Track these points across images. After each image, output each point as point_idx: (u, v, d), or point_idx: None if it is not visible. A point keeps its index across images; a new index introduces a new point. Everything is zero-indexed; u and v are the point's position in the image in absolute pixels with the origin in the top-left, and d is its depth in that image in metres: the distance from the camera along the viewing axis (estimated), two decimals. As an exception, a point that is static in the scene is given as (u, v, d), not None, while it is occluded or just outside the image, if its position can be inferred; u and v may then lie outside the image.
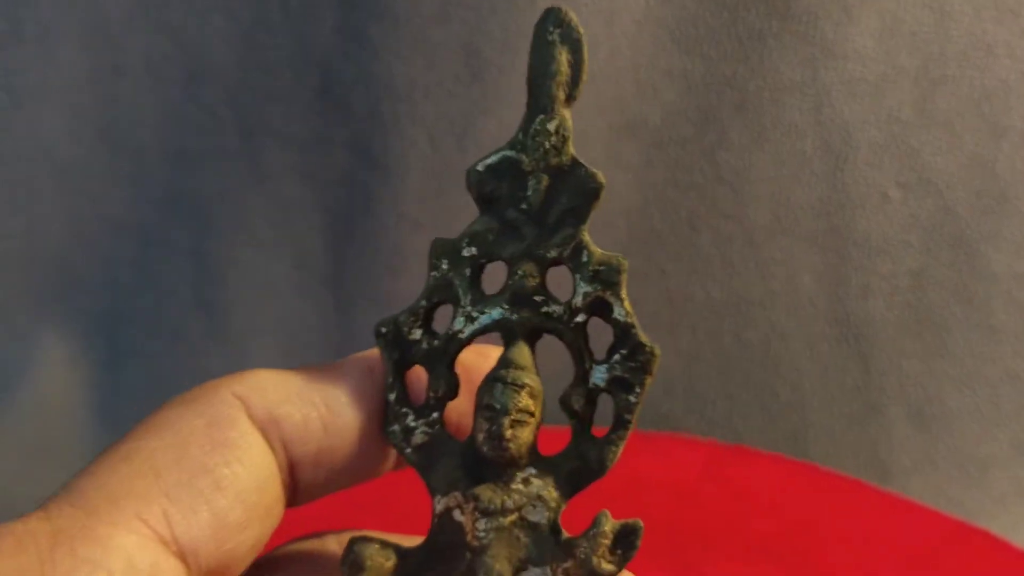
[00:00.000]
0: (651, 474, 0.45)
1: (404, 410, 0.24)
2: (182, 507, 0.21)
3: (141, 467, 0.21)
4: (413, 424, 0.24)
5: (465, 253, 0.24)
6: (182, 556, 0.21)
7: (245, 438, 0.22)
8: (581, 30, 0.24)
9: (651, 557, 0.39)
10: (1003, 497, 0.54)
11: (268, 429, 0.23)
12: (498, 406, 0.23)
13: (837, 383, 0.52)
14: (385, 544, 0.24)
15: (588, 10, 0.45)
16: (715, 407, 0.53)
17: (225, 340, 0.51)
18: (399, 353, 0.24)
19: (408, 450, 0.24)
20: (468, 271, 0.24)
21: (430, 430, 0.24)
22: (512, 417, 0.23)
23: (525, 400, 0.23)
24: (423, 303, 0.24)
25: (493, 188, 0.24)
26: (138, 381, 0.51)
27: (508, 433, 0.23)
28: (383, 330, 0.24)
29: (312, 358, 0.50)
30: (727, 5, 0.46)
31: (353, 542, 0.23)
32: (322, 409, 0.23)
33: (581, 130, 0.47)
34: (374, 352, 0.25)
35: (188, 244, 0.50)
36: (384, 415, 0.24)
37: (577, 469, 0.24)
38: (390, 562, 0.23)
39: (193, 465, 0.21)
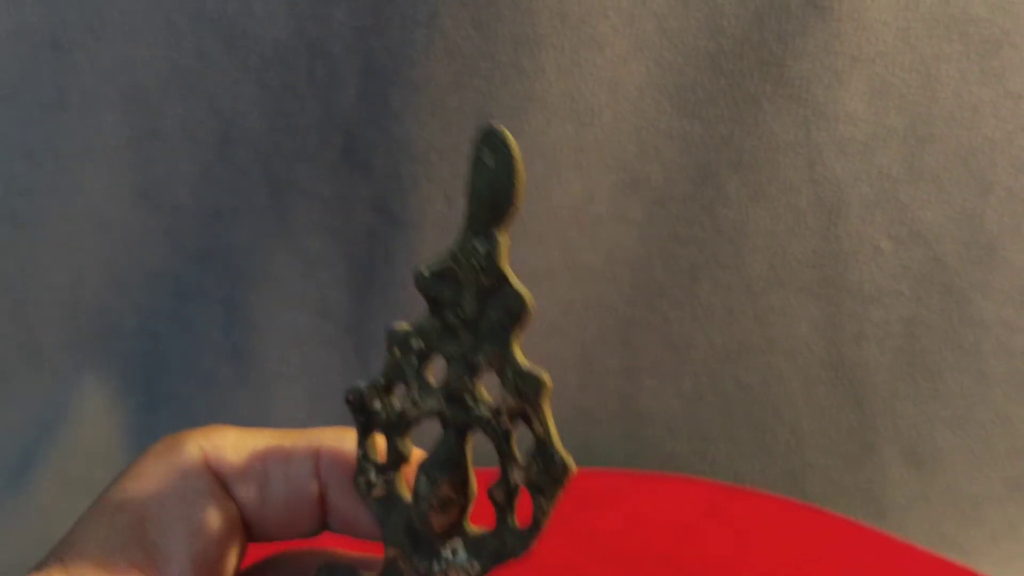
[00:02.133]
0: (654, 513, 0.46)
1: (368, 465, 0.26)
2: (167, 553, 0.24)
3: (131, 519, 0.24)
4: (375, 480, 0.26)
5: (413, 345, 0.26)
6: None
7: (211, 488, 0.25)
8: (516, 152, 0.24)
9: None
10: (995, 534, 0.55)
11: (226, 481, 0.26)
12: (422, 495, 0.26)
13: (834, 425, 0.54)
14: (351, 572, 0.26)
15: (593, 79, 0.47)
16: (717, 447, 0.54)
17: (254, 384, 0.53)
18: (364, 417, 0.26)
19: (371, 500, 0.26)
20: (415, 360, 0.26)
21: (387, 487, 0.27)
22: (430, 503, 0.26)
23: (445, 490, 0.26)
24: (381, 380, 0.26)
25: (436, 293, 0.25)
26: (172, 423, 0.52)
27: (433, 519, 0.26)
28: (350, 397, 0.26)
29: (334, 401, 0.52)
30: (724, 71, 0.48)
31: (319, 571, 0.26)
32: (261, 479, 0.26)
33: (588, 189, 0.49)
34: (333, 431, 0.27)
35: (220, 295, 0.51)
36: (355, 468, 0.27)
37: (498, 550, 0.26)
38: None
39: (172, 515, 0.25)
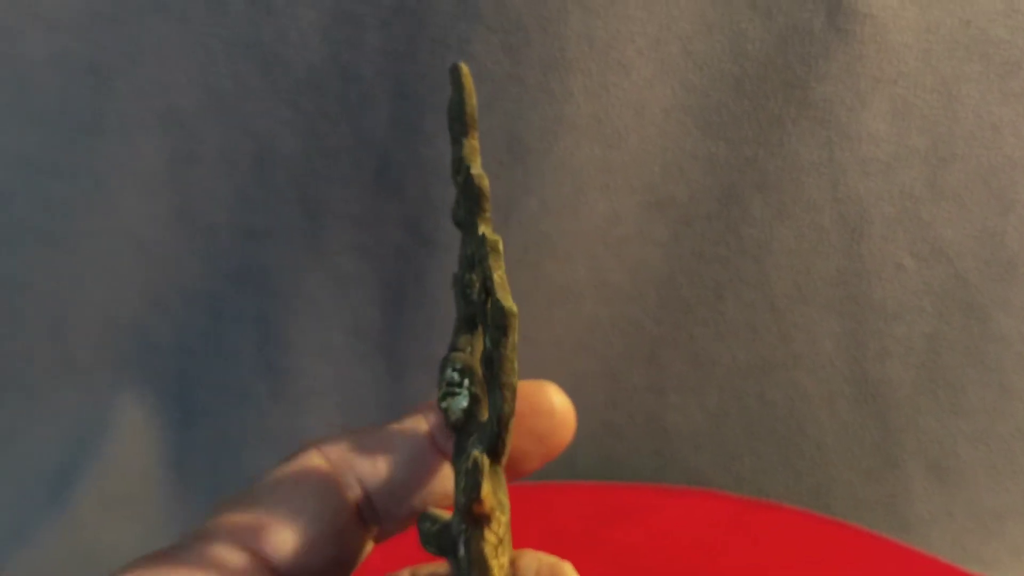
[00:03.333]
0: (679, 527, 0.47)
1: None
2: (278, 533, 0.26)
3: (248, 507, 0.26)
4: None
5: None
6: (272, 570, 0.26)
7: (322, 474, 0.27)
8: (468, 80, 0.30)
9: (680, 606, 0.42)
10: (1018, 548, 0.55)
11: (341, 468, 0.28)
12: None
13: (857, 440, 0.54)
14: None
15: (620, 101, 0.48)
16: (741, 463, 0.55)
17: (287, 401, 0.53)
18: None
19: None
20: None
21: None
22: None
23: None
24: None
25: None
26: (208, 439, 0.53)
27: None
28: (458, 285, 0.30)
29: (366, 416, 0.53)
30: (748, 94, 0.49)
31: (421, 517, 0.27)
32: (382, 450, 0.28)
33: (615, 209, 0.50)
34: (418, 425, 0.29)
35: (255, 313, 0.52)
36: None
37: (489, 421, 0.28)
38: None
39: (282, 500, 0.26)
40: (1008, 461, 0.55)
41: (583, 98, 0.48)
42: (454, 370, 0.29)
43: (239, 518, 0.26)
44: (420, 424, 0.29)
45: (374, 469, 0.28)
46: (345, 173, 0.50)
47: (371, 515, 0.28)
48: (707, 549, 0.46)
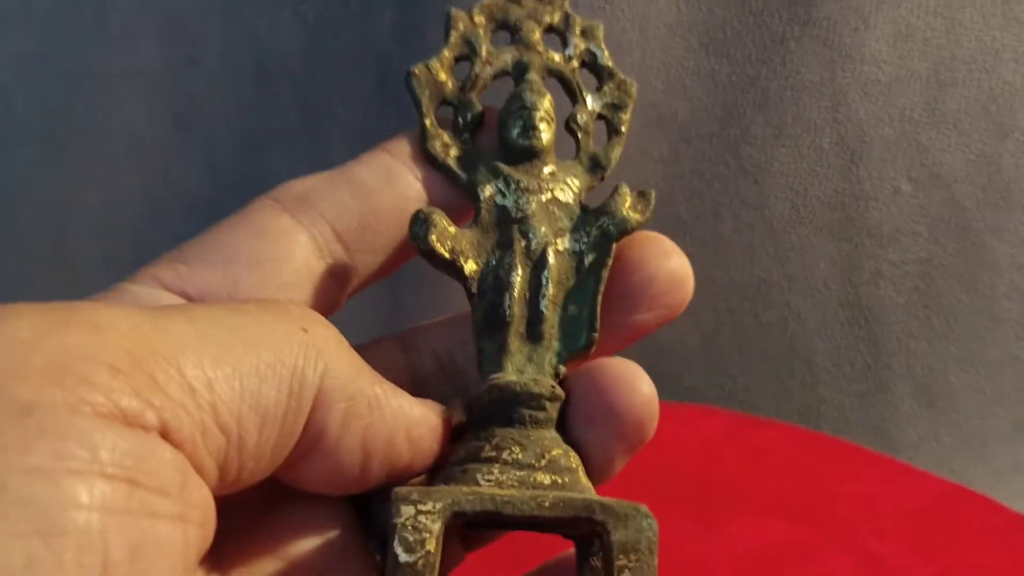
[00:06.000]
0: (676, 439, 0.48)
1: (440, 131, 0.29)
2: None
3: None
4: (449, 142, 0.29)
5: (477, 20, 0.30)
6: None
7: (276, 218, 0.27)
8: None
9: (678, 511, 0.43)
10: (1002, 471, 0.57)
11: (298, 208, 0.27)
12: (528, 104, 0.28)
13: (848, 362, 0.55)
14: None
15: (624, 16, 0.48)
16: (734, 382, 0.55)
17: None
18: (429, 90, 0.29)
19: (448, 160, 0.28)
20: (481, 31, 0.30)
21: (465, 146, 0.29)
22: (540, 113, 0.28)
23: (548, 104, 0.29)
24: (446, 54, 0.30)
25: None
26: None
27: (540, 124, 0.28)
28: (417, 71, 0.29)
29: (367, 333, 0.53)
30: (752, 11, 0.48)
31: (419, 210, 0.27)
32: (351, 187, 0.27)
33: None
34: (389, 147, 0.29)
35: None
36: (421, 137, 0.29)
37: (591, 166, 0.29)
38: (452, 228, 0.27)
39: (235, 250, 0.26)
40: (996, 387, 0.56)
41: (586, 12, 0.48)
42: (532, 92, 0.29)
43: (169, 265, 0.26)
44: (386, 156, 0.28)
45: (338, 203, 0.27)
46: (346, 84, 0.49)
47: (348, 262, 0.27)
48: (703, 458, 0.47)
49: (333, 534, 0.26)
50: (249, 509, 0.25)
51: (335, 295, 0.27)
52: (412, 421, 0.25)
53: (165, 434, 0.20)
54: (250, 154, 0.51)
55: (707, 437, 0.49)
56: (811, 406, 0.56)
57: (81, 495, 0.18)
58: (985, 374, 0.55)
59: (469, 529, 0.27)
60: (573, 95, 0.30)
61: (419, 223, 0.27)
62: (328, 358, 0.24)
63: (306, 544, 0.25)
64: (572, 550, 0.27)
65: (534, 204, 0.28)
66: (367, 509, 0.27)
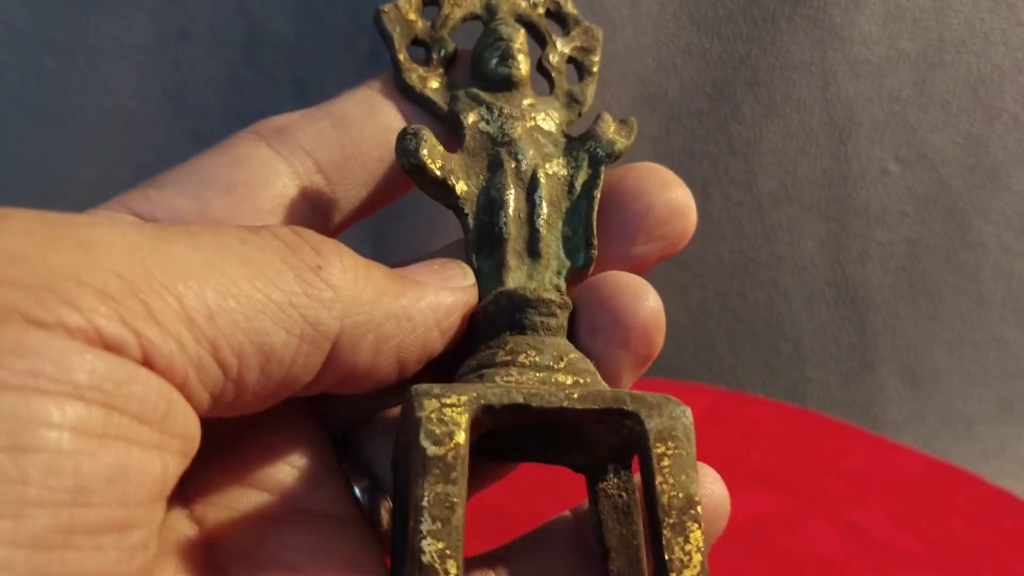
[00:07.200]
0: None
1: (415, 65, 0.29)
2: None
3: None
4: (425, 75, 0.29)
5: None
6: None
7: (254, 147, 0.27)
8: None
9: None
10: (986, 452, 0.57)
11: (276, 139, 0.26)
12: (505, 36, 0.29)
13: (834, 341, 0.55)
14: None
15: (616, -9, 0.48)
16: (721, 360, 0.56)
17: None
18: (400, 27, 0.29)
19: (426, 91, 0.29)
20: None
21: (441, 79, 0.29)
22: (517, 45, 0.29)
23: (523, 39, 0.29)
24: None
25: None
26: None
27: (518, 55, 0.29)
28: (386, 9, 0.29)
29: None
30: (743, -12, 0.49)
31: (407, 127, 0.27)
32: (332, 118, 0.27)
33: (605, 102, 0.50)
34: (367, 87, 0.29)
35: None
36: (395, 71, 0.29)
37: (567, 102, 0.29)
38: (441, 147, 0.27)
39: (209, 175, 0.26)
40: (981, 368, 0.56)
41: (579, -13, 0.48)
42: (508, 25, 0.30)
43: (140, 191, 0.26)
44: (368, 90, 0.28)
45: (319, 134, 0.27)
46: (338, 56, 0.49)
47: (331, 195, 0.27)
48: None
49: (307, 462, 0.25)
50: (213, 433, 0.23)
51: (317, 229, 0.26)
52: (442, 314, 0.24)
53: (150, 363, 0.20)
54: (241, 127, 0.50)
55: (694, 414, 0.49)
56: (797, 385, 0.56)
57: (52, 414, 0.18)
58: (970, 355, 0.56)
59: (486, 441, 0.26)
60: (542, 38, 0.30)
61: (408, 138, 0.26)
62: (346, 296, 0.22)
63: (280, 472, 0.25)
64: (567, 513, 0.27)
65: (519, 129, 0.28)
66: (352, 447, 0.27)
